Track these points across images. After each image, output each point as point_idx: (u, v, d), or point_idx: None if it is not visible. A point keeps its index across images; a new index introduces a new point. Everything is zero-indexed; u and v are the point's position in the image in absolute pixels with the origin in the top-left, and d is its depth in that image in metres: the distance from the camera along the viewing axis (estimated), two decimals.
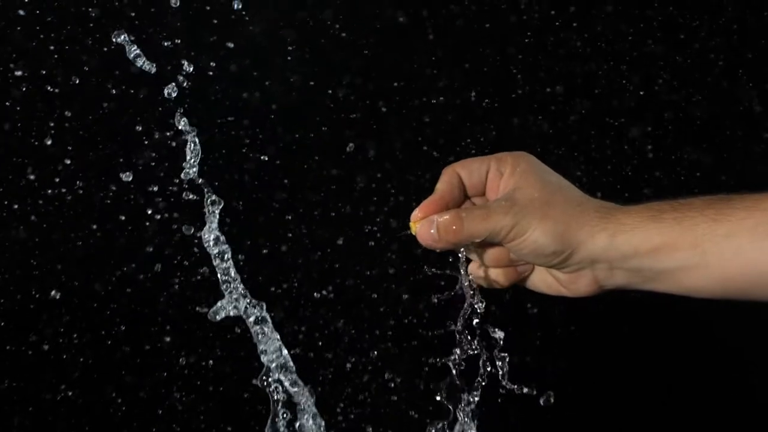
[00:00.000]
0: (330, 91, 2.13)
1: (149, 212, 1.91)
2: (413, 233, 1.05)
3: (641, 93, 2.20)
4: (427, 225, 1.03)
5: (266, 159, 2.05)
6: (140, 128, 1.93)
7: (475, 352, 1.13)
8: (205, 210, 1.24)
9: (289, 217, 2.08)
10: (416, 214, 1.05)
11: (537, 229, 0.99)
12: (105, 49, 1.93)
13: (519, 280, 1.11)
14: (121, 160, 1.96)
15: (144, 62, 1.48)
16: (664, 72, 2.20)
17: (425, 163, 2.10)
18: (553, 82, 2.21)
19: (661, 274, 0.99)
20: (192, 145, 1.30)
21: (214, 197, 1.24)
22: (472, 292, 1.09)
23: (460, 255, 1.08)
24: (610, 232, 0.99)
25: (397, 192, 2.09)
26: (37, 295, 1.90)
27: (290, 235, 2.07)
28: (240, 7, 1.93)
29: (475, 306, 1.10)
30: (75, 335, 1.92)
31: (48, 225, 1.94)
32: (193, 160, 1.30)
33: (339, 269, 2.08)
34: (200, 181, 1.27)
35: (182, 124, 1.32)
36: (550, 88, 2.21)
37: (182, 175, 1.29)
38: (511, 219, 0.99)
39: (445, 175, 1.08)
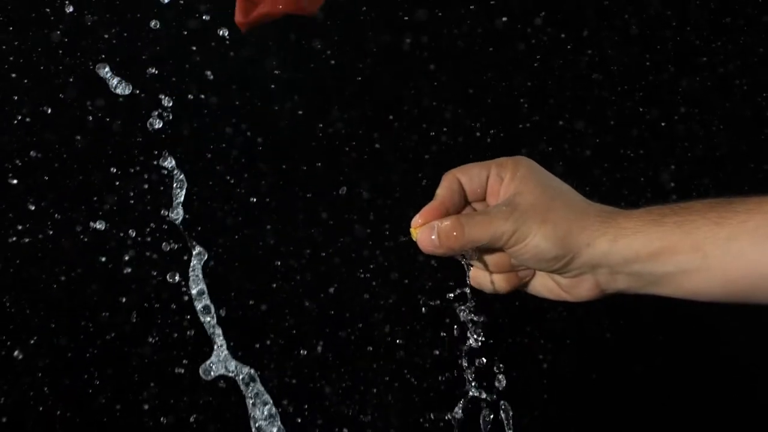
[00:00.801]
0: (321, 124, 2.22)
1: (127, 257, 2.00)
2: (414, 239, 1.16)
3: (662, 124, 2.31)
4: (427, 231, 1.14)
5: (254, 200, 2.14)
6: (119, 163, 2.02)
7: (477, 394, 1.22)
8: (189, 262, 1.32)
9: (278, 263, 2.17)
10: (417, 220, 1.17)
11: (538, 234, 1.10)
12: (71, 78, 2.03)
13: (520, 286, 1.21)
14: (96, 198, 2.04)
15: (123, 87, 1.57)
16: (680, 98, 2.30)
17: (425, 202, 2.11)
18: (562, 111, 2.31)
19: (663, 278, 1.10)
20: (178, 183, 1.40)
21: (198, 249, 1.33)
22: (471, 316, 1.21)
23: (462, 262, 1.18)
24: (611, 237, 1.10)
25: (393, 233, 2.15)
26: (9, 343, 1.97)
27: (275, 285, 2.16)
28: (227, 33, 1.95)
29: (474, 332, 1.21)
30: (46, 389, 1.99)
31: (17, 268, 2.02)
32: (177, 202, 1.39)
33: (332, 318, 2.16)
34: (181, 226, 1.37)
35: (167, 162, 1.42)
36: (560, 119, 2.31)
37: (165, 218, 1.37)
38: (512, 224, 1.11)
39: (445, 180, 1.20)
